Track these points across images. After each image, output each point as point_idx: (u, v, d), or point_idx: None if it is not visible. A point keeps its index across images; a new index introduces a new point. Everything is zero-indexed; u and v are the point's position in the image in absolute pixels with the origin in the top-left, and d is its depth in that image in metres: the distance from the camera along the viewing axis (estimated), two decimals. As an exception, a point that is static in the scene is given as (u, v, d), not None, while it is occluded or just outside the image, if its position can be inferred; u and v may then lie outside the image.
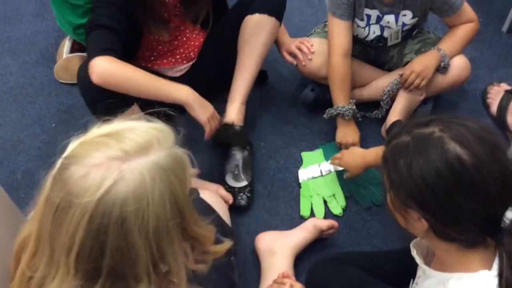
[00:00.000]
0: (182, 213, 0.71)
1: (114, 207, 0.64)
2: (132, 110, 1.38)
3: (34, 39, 2.23)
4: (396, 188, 0.89)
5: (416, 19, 1.70)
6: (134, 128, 0.71)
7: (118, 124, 0.72)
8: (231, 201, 1.57)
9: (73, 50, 2.02)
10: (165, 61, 1.75)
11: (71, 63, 2.00)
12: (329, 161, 1.68)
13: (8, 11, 2.35)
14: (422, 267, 1.00)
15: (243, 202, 1.63)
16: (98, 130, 0.71)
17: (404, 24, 1.70)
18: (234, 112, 1.66)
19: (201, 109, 1.46)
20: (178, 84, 1.45)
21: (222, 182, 1.65)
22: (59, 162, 0.69)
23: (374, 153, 1.49)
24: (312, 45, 1.78)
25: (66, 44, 2.04)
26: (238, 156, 1.73)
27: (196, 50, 1.78)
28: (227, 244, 0.89)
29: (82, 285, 0.67)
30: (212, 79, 1.80)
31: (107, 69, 1.31)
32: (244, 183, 1.66)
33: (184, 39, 1.75)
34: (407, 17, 1.68)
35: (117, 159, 0.65)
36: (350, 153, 1.61)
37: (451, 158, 0.82)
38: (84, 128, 0.76)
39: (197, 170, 1.38)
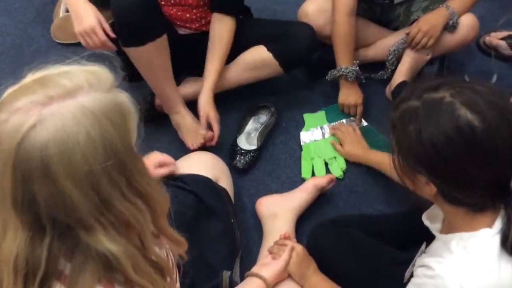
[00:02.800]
0: (121, 161, 0.67)
1: (34, 152, 0.62)
2: None
3: (30, -2, 2.17)
4: (405, 153, 0.89)
5: (424, -25, 1.63)
6: (65, 73, 0.68)
7: (50, 70, 0.69)
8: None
9: (69, 9, 1.97)
10: (172, 12, 1.63)
11: (68, 23, 1.94)
12: (330, 131, 1.68)
13: (3, -32, 2.28)
14: (435, 234, 0.99)
15: (239, 165, 1.60)
16: (30, 76, 0.69)
17: (411, -20, 1.64)
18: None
19: (75, 21, 1.33)
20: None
21: (232, 139, 1.65)
22: None
23: (377, 160, 1.49)
24: None
25: (63, 3, 1.98)
26: (263, 119, 1.70)
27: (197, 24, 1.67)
28: (182, 241, 0.83)
29: (32, 236, 0.66)
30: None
31: None
32: (252, 147, 1.64)
33: (191, 1, 1.65)
34: (414, -27, 1.61)
35: (39, 104, 0.63)
36: (353, 142, 1.60)
37: (462, 124, 0.81)
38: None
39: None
